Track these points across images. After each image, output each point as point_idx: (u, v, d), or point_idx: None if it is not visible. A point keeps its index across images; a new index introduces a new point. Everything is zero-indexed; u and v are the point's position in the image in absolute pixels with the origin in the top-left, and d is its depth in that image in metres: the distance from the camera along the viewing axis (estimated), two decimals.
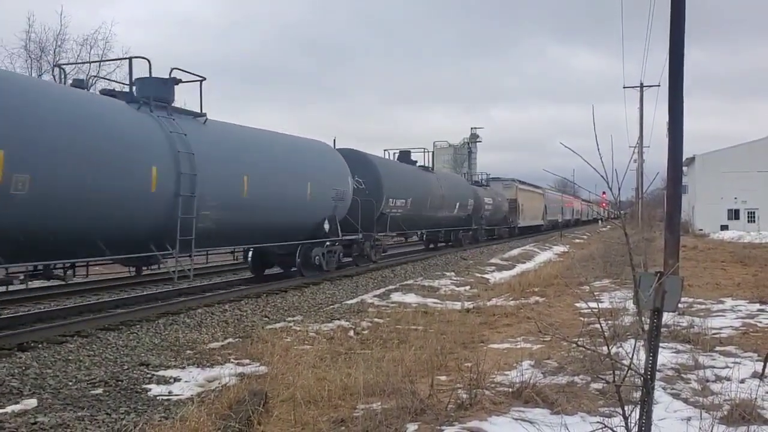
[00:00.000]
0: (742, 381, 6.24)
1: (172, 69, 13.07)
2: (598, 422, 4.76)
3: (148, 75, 12.64)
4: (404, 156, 27.42)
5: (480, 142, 78.67)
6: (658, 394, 5.57)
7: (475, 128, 79.11)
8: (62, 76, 14.80)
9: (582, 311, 10.35)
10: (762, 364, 6.64)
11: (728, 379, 6.33)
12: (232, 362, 8.01)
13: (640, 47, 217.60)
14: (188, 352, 8.73)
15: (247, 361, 8.04)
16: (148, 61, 12.56)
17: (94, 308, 12.10)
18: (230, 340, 9.57)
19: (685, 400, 5.79)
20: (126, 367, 7.88)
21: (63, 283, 11.92)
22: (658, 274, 3.92)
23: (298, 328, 10.00)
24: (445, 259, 25.54)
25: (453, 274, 18.93)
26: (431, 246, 31.58)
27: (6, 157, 8.68)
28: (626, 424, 3.88)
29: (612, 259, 20.75)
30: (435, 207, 27.09)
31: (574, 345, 6.36)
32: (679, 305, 4.96)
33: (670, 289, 3.88)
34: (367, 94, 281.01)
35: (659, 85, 41.01)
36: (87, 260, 11.68)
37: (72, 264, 11.26)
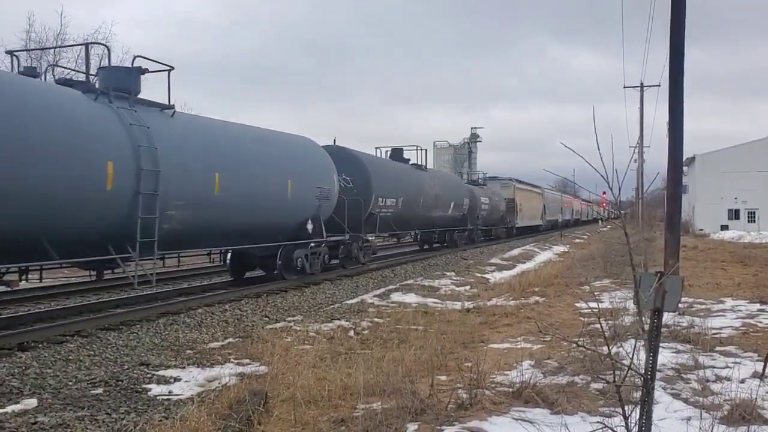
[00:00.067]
0: (743, 381, 6.24)
1: (134, 57, 12.04)
2: (598, 422, 4.76)
3: (108, 64, 11.67)
4: (396, 154, 26.37)
5: (480, 142, 78.86)
6: (659, 394, 5.57)
7: (475, 128, 79.35)
8: (15, 64, 12.56)
9: (582, 311, 10.35)
10: (762, 364, 6.64)
11: (728, 379, 6.33)
12: (232, 362, 8.02)
13: (641, 47, 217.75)
14: (188, 351, 8.74)
15: (248, 360, 8.05)
16: (107, 48, 12.04)
17: (94, 308, 12.08)
18: (230, 339, 9.58)
19: (686, 400, 5.80)
20: (126, 366, 7.89)
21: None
22: (659, 274, 3.92)
23: (298, 328, 10.01)
24: (445, 259, 25.52)
25: (453, 273, 18.93)
26: (426, 247, 30.91)
27: None
28: (626, 424, 3.88)
29: (612, 259, 20.77)
30: (428, 206, 26.49)
31: (575, 345, 6.37)
32: (680, 305, 4.96)
33: (671, 289, 3.88)
34: (367, 94, 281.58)
35: (659, 85, 40.95)
36: (27, 264, 10.29)
37: (21, 268, 10.23)
